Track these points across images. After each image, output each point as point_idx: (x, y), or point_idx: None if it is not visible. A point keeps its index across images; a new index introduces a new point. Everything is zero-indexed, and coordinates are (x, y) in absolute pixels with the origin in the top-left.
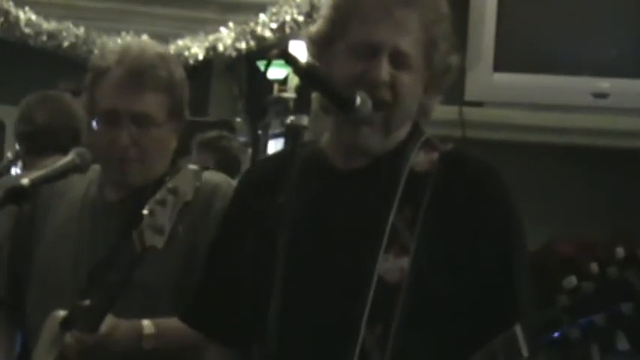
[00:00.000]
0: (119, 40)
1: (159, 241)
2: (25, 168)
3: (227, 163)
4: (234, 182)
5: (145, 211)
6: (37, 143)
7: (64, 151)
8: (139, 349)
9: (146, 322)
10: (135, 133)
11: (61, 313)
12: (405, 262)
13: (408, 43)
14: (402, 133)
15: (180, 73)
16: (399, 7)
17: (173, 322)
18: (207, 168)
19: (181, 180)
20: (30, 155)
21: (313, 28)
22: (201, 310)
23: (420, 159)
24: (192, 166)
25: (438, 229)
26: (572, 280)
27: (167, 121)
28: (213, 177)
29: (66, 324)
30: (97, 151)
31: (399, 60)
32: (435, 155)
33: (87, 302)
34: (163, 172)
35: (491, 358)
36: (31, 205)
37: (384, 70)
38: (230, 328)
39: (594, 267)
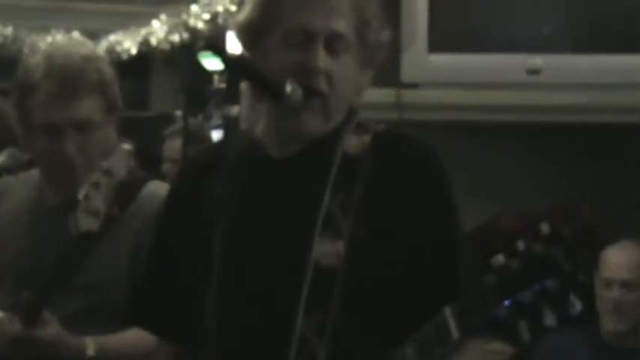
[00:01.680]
0: (48, 39)
1: (94, 224)
2: None
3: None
4: None
5: (80, 196)
6: None
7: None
8: None
9: (89, 341)
10: (79, 141)
11: (0, 314)
12: (340, 245)
13: (342, 25)
14: (339, 117)
15: (108, 69)
16: None
17: (117, 337)
18: (150, 178)
19: (114, 160)
20: None
21: (241, 17)
22: (145, 307)
23: (353, 142)
24: (125, 146)
25: (373, 212)
26: (500, 259)
27: (105, 119)
28: (161, 189)
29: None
30: (41, 162)
31: (334, 43)
32: (368, 137)
33: (25, 294)
34: None
35: (424, 343)
36: None
37: (321, 58)
38: (176, 323)
39: (520, 244)
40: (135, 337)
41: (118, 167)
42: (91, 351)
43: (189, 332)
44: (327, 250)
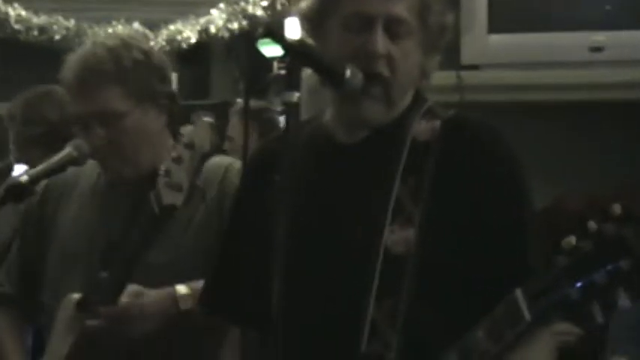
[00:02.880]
0: (109, 30)
1: (177, 198)
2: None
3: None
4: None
5: (160, 172)
6: (55, 142)
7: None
8: (174, 311)
9: (178, 285)
10: (105, 132)
11: (75, 296)
12: (410, 232)
13: (402, 9)
14: (405, 101)
15: (131, 57)
16: None
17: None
18: (223, 151)
19: (197, 132)
20: (50, 154)
21: (303, 5)
22: (219, 295)
23: (422, 128)
24: (207, 119)
25: (443, 198)
26: (571, 241)
27: (134, 107)
28: (221, 161)
29: (81, 306)
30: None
31: (394, 28)
32: (437, 123)
33: (104, 274)
34: (154, 160)
35: (495, 326)
36: (39, 200)
37: (380, 42)
38: (246, 310)
39: (592, 225)
40: None
41: (201, 140)
42: (182, 290)
43: (260, 319)
44: (397, 236)
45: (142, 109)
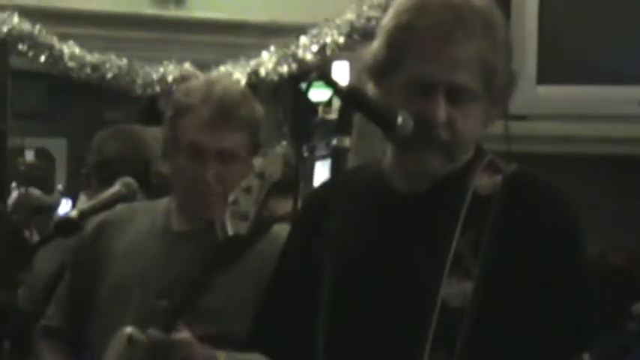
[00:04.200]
0: (160, 70)
1: (242, 227)
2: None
3: (283, 183)
4: None
5: (229, 200)
6: (105, 173)
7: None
8: None
9: (221, 353)
10: (219, 170)
11: (129, 329)
12: (468, 286)
13: (465, 77)
14: (466, 156)
15: (259, 110)
16: (455, 43)
17: (245, 355)
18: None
19: (269, 162)
20: (101, 186)
21: (369, 54)
22: (267, 340)
23: (484, 181)
24: (280, 149)
25: (502, 254)
26: None
27: (248, 155)
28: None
29: (133, 339)
30: (180, 182)
31: (456, 95)
32: (499, 178)
33: (162, 304)
34: None
35: None
36: (92, 234)
37: (440, 110)
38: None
39: None
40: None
41: (272, 169)
42: (222, 358)
43: None
44: (455, 289)
45: (249, 160)
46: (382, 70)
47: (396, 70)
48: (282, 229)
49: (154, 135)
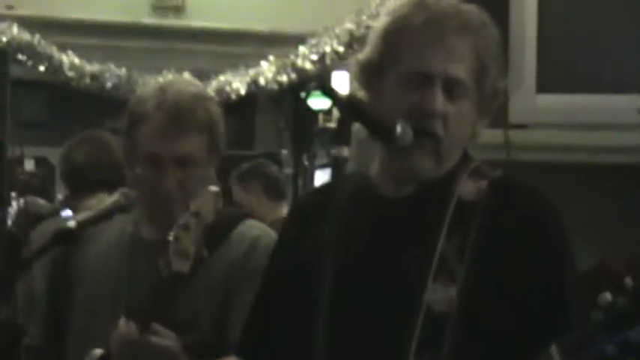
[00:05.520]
0: (159, 79)
1: (185, 266)
2: (72, 209)
3: (273, 186)
4: (273, 233)
5: (170, 238)
6: (77, 181)
7: (106, 187)
8: None
9: None
10: (179, 176)
11: (98, 351)
12: (453, 291)
13: (461, 70)
14: (453, 160)
15: (215, 110)
16: (451, 34)
17: None
18: (246, 215)
19: (202, 202)
20: (74, 195)
21: (361, 57)
22: (257, 345)
23: (469, 187)
24: (213, 188)
25: (487, 258)
26: (607, 297)
27: (207, 158)
28: (252, 229)
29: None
30: (142, 193)
31: (452, 88)
32: (484, 183)
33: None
34: None
35: None
36: (64, 250)
37: (438, 100)
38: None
39: (628, 281)
40: None
41: (206, 210)
42: None
43: None
44: (440, 294)
45: (211, 160)
46: (376, 68)
47: (393, 67)
48: (248, 227)
49: None
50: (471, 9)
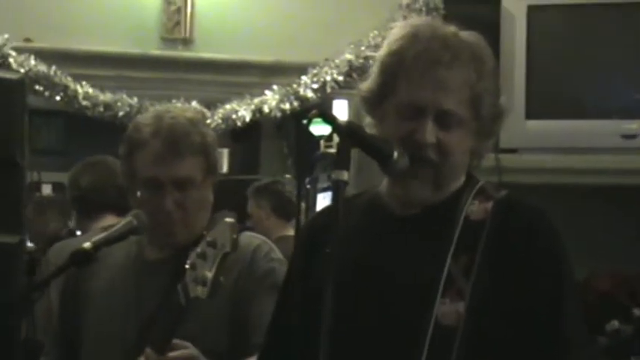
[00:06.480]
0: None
1: (202, 292)
2: (82, 231)
3: (282, 206)
4: (270, 243)
5: (187, 265)
6: (86, 204)
7: (112, 209)
8: None
9: None
10: (178, 198)
11: None
12: (460, 306)
13: (453, 102)
14: (457, 183)
15: (210, 134)
16: (442, 68)
17: None
18: (247, 228)
19: (219, 233)
20: (83, 218)
21: (364, 87)
22: (277, 354)
23: (475, 208)
24: (229, 219)
25: (493, 275)
26: (614, 324)
27: (204, 179)
28: (252, 240)
29: None
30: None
31: (444, 119)
32: (490, 204)
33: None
34: (203, 227)
35: None
36: (74, 272)
37: (429, 132)
38: None
39: (637, 312)
40: None
41: (223, 239)
42: None
43: None
44: (448, 309)
45: (206, 182)
46: (376, 98)
47: (389, 96)
48: (248, 238)
49: None
50: (466, 39)
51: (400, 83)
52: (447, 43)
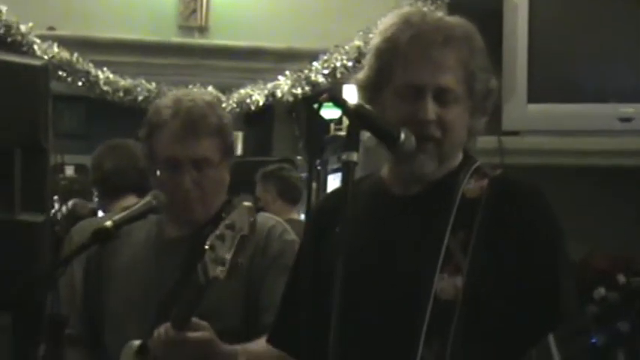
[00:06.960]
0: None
1: (221, 272)
2: (104, 211)
3: (288, 191)
4: (285, 224)
5: (207, 246)
6: (108, 186)
7: (134, 190)
8: None
9: (239, 349)
10: (195, 177)
11: (136, 342)
12: (459, 280)
13: (449, 80)
14: (455, 161)
15: (226, 116)
16: (436, 48)
17: (256, 345)
18: (261, 208)
19: (237, 216)
20: (105, 199)
21: (360, 76)
22: (287, 333)
23: (472, 185)
24: (247, 203)
25: (489, 249)
26: (601, 291)
27: (221, 160)
28: (267, 220)
29: (141, 352)
30: (163, 194)
31: (442, 96)
32: (485, 182)
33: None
34: (220, 207)
35: None
36: (98, 250)
37: (430, 110)
38: (314, 349)
39: (621, 278)
40: (263, 345)
41: (241, 222)
42: (243, 358)
43: (320, 356)
44: (446, 284)
45: (223, 163)
46: (374, 85)
47: (387, 83)
48: (263, 218)
49: None
50: (455, 21)
51: (397, 68)
52: (438, 25)
